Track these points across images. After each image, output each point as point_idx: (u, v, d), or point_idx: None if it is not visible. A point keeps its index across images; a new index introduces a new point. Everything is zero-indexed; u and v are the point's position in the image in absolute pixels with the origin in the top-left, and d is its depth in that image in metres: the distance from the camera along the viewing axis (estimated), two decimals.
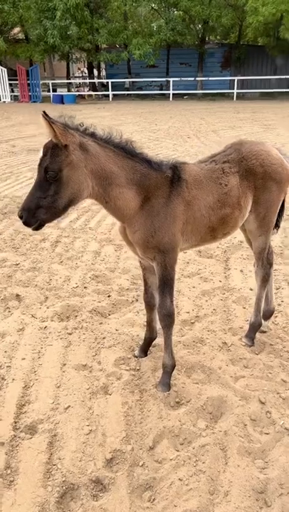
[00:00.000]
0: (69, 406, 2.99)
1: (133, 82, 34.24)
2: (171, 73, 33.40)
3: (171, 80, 30.33)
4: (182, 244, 2.95)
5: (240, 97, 30.92)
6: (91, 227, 6.49)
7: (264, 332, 3.75)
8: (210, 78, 30.79)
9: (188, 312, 4.09)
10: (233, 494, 2.36)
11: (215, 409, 2.95)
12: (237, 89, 29.87)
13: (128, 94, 33.57)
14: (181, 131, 15.75)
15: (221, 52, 34.21)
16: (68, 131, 2.46)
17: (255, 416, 2.87)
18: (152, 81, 33.67)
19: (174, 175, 2.79)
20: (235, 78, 29.89)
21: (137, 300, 4.37)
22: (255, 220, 3.13)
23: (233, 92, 30.01)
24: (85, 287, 4.65)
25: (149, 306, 3.34)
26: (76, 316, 4.11)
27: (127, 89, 34.41)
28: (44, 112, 2.36)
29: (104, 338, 3.75)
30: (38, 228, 2.58)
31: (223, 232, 3.03)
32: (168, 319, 3.02)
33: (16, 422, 2.88)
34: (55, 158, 2.44)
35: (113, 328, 3.89)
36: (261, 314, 3.60)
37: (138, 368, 3.38)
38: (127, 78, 33.57)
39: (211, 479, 2.45)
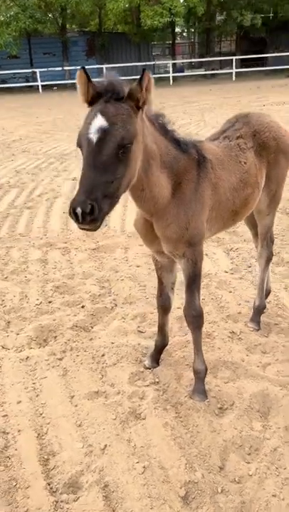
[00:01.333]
0: (106, 445, 2.50)
1: None
2: (35, 64, 31.83)
3: (37, 70, 28.90)
4: (205, 234, 2.62)
5: None
6: (21, 233, 5.74)
7: (263, 312, 3.64)
8: (78, 67, 30.03)
9: (179, 308, 3.78)
10: None
11: (261, 406, 2.74)
12: None
13: None
14: (68, 122, 15.06)
15: (83, 40, 33.62)
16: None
17: None
18: (16, 73, 31.74)
19: (198, 155, 2.43)
20: (104, 66, 29.69)
21: (116, 305, 3.93)
22: (266, 198, 2.94)
23: None
24: (49, 302, 4.04)
25: (164, 309, 2.97)
26: (55, 336, 3.53)
27: None
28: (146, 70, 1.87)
29: (103, 355, 3.27)
30: (98, 227, 1.90)
31: (244, 215, 2.78)
32: (198, 320, 2.70)
33: (49, 484, 2.31)
34: (128, 126, 1.90)
35: (107, 341, 3.41)
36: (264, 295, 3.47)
37: (157, 380, 3.00)
38: None
39: None
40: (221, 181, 2.54)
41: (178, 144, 2.36)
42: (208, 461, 2.38)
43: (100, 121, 1.88)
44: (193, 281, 2.59)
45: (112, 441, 2.53)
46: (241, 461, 2.38)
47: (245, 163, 2.64)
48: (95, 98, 1.98)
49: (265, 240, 3.22)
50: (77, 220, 1.82)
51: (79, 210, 1.79)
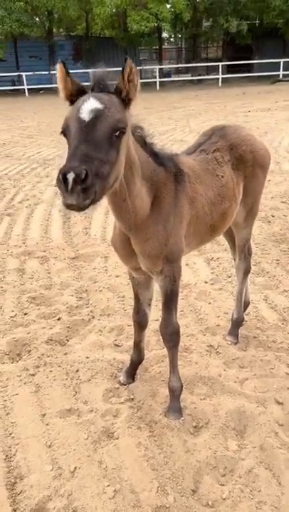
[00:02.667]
0: (76, 468, 2.41)
1: None
2: (21, 67, 31.61)
3: (23, 74, 28.72)
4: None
5: None
6: None
7: (242, 325, 3.59)
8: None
9: (157, 320, 3.71)
10: None
11: (237, 424, 2.67)
12: None
13: None
14: (53, 127, 14.93)
15: (70, 44, 33.53)
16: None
17: (282, 420, 2.67)
18: (2, 76, 31.51)
19: (175, 169, 2.37)
20: (90, 71, 29.60)
21: (93, 317, 3.85)
22: (243, 211, 2.89)
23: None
24: (25, 314, 3.94)
25: (140, 326, 2.89)
26: (29, 351, 3.43)
27: None
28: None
29: (77, 370, 3.17)
30: (87, 206, 1.67)
31: (222, 229, 2.72)
32: (175, 338, 2.63)
33: (15, 510, 2.21)
34: (122, 114, 1.83)
35: (82, 356, 3.32)
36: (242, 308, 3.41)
37: (132, 397, 2.91)
38: None
39: (275, 508, 2.17)
40: (198, 195, 2.48)
41: (156, 156, 2.29)
42: (181, 484, 2.31)
43: (93, 103, 1.77)
44: (171, 299, 2.52)
45: (83, 463, 2.44)
46: (215, 484, 2.31)
47: (222, 176, 2.59)
48: (76, 94, 1.90)
49: (243, 253, 3.17)
50: (66, 188, 1.59)
51: (71, 174, 1.57)
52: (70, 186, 1.58)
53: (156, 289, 2.76)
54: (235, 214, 2.78)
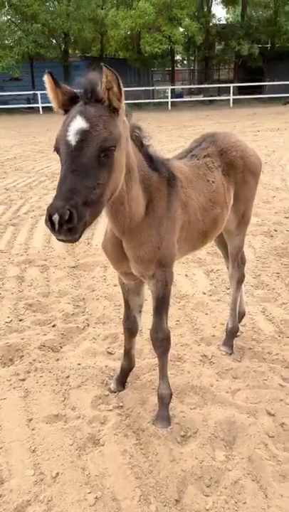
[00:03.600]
0: (58, 473, 2.36)
1: None
2: (37, 86, 32.41)
3: (38, 93, 29.41)
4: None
5: None
6: (1, 249, 5.65)
7: (237, 336, 3.53)
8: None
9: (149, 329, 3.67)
10: None
11: (226, 435, 2.60)
12: None
13: None
14: None
15: (85, 65, 34.25)
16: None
17: (272, 431, 2.59)
18: (18, 94, 32.32)
19: (168, 173, 2.36)
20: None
21: (88, 325, 3.82)
22: (234, 218, 2.87)
23: None
24: (20, 320, 3.93)
25: (130, 332, 2.86)
26: (22, 356, 3.41)
27: None
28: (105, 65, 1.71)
29: (67, 377, 3.14)
30: (77, 239, 1.73)
31: (213, 235, 2.70)
32: (165, 344, 2.59)
33: None
34: (111, 128, 1.76)
35: (74, 363, 3.29)
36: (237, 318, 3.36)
37: (121, 404, 2.86)
38: None
39: None
40: (190, 200, 2.47)
41: (151, 160, 2.28)
42: (164, 493, 2.24)
43: (79, 123, 1.75)
44: (162, 304, 2.50)
45: (66, 468, 2.39)
46: (199, 494, 2.24)
47: (213, 182, 2.58)
48: (69, 103, 1.87)
49: (236, 261, 3.14)
50: (53, 228, 1.63)
51: (56, 217, 1.60)
52: (56, 228, 1.62)
53: (148, 295, 2.74)
54: (226, 220, 2.77)
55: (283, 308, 3.96)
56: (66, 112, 1.90)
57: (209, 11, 33.31)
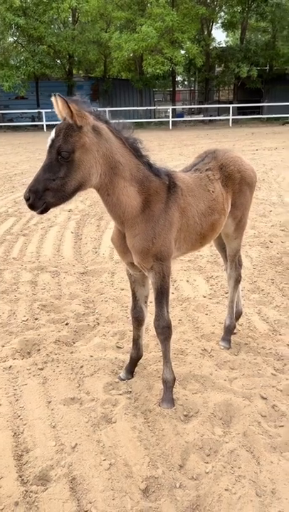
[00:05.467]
0: (76, 444, 2.69)
1: (3, 114, 33.34)
2: (41, 105, 33.34)
3: (43, 111, 30.28)
4: (174, 253, 2.92)
5: None
6: (14, 257, 6.03)
7: (234, 333, 3.88)
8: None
9: None
10: (280, 490, 2.36)
11: (224, 414, 2.94)
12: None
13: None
14: None
15: (88, 84, 35.39)
16: (83, 112, 2.39)
17: (264, 412, 2.93)
18: (23, 112, 33.20)
19: (170, 181, 2.78)
20: (106, 109, 31.11)
21: (98, 324, 4.17)
22: (232, 224, 3.27)
23: None
24: (36, 319, 4.28)
25: (138, 321, 3.22)
26: (39, 349, 3.75)
27: None
28: (58, 94, 2.34)
29: (81, 366, 3.48)
30: (43, 212, 2.47)
31: (211, 238, 3.09)
32: (167, 331, 2.95)
33: (20, 476, 2.49)
34: (68, 139, 2.38)
35: (87, 355, 3.63)
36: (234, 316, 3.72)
37: (130, 390, 3.20)
38: None
39: (253, 482, 2.41)
40: (189, 206, 2.87)
41: (150, 166, 2.74)
42: (169, 460, 2.57)
43: (51, 134, 2.44)
44: (162, 294, 2.87)
45: (83, 441, 2.72)
46: (200, 461, 2.56)
47: (213, 191, 2.99)
48: None
49: (234, 262, 3.52)
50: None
51: (23, 196, 2.46)
52: (26, 204, 2.45)
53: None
54: (223, 225, 3.16)
55: (277, 310, 4.32)
56: None
57: (209, 34, 34.44)
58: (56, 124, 2.51)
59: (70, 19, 32.82)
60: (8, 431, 2.81)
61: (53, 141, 2.40)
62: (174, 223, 2.78)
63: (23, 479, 2.47)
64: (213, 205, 2.98)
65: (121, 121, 2.72)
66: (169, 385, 3.01)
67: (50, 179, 2.39)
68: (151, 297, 3.18)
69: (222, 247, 3.64)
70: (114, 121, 2.70)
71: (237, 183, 3.14)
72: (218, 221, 3.04)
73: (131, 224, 2.71)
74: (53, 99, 2.40)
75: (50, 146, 2.40)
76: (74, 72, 35.31)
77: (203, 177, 3.01)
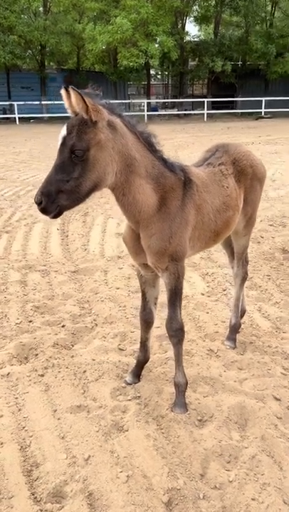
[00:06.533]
0: (89, 456, 2.54)
1: None
2: (13, 97, 32.44)
3: (15, 103, 29.46)
4: (188, 252, 2.79)
5: None
6: (0, 255, 5.77)
7: (238, 332, 3.80)
8: (55, 102, 30.92)
9: (158, 327, 3.89)
10: None
11: (239, 418, 2.85)
12: None
13: None
14: (46, 153, 15.31)
15: (61, 77, 34.58)
16: (98, 106, 2.20)
17: (280, 414, 2.85)
18: None
19: (185, 177, 2.64)
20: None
21: (96, 325, 4.01)
22: (243, 220, 3.17)
23: None
24: (30, 321, 4.08)
25: (147, 323, 3.08)
26: (36, 354, 3.56)
27: None
28: (72, 87, 2.12)
29: (84, 371, 3.32)
30: (56, 216, 2.28)
31: (224, 235, 2.98)
32: (180, 333, 2.83)
33: (33, 494, 2.32)
34: (82, 136, 2.19)
35: (89, 358, 3.47)
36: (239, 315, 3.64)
37: (138, 395, 3.07)
38: None
39: (278, 489, 2.33)
40: (204, 203, 2.74)
41: (165, 162, 2.57)
42: (189, 469, 2.46)
43: (62, 131, 2.24)
44: (176, 295, 2.74)
45: (96, 452, 2.57)
46: (221, 469, 2.46)
47: (227, 187, 2.88)
48: None
49: (241, 260, 3.43)
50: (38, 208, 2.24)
51: (35, 200, 2.23)
52: (38, 208, 2.25)
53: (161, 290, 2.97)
54: (236, 222, 3.06)
55: (277, 307, 4.27)
56: None
57: (183, 28, 34.32)
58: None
59: (41, 9, 32.02)
60: (14, 444, 2.64)
61: (64, 138, 2.20)
62: (189, 221, 2.65)
63: (35, 497, 2.31)
64: (228, 201, 2.86)
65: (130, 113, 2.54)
66: (181, 389, 2.90)
67: (64, 180, 2.20)
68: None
69: (228, 244, 3.54)
70: (126, 114, 2.53)
71: (249, 178, 3.03)
72: (232, 218, 2.93)
73: (147, 223, 2.55)
74: (63, 91, 2.20)
75: (62, 145, 2.21)
76: (46, 63, 34.49)
77: (217, 172, 2.88)
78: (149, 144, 2.51)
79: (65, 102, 2.25)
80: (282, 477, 2.40)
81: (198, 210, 2.71)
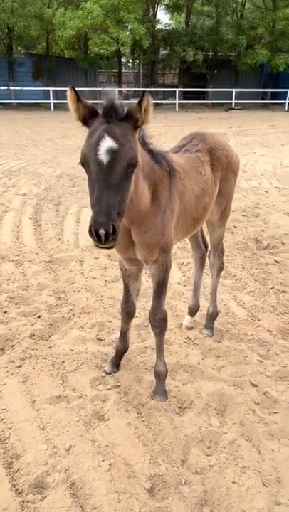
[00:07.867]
0: (70, 446, 2.53)
1: None
2: None
3: None
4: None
5: (58, 107, 31.03)
6: None
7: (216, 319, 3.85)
8: (24, 88, 30.07)
9: (136, 316, 3.89)
10: (285, 478, 2.36)
11: (218, 404, 2.90)
12: (53, 99, 29.90)
13: None
14: (15, 141, 14.93)
15: (30, 62, 33.63)
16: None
17: (257, 399, 2.92)
18: None
19: (168, 166, 2.60)
20: (50, 89, 29.92)
21: (73, 315, 3.97)
22: (217, 212, 3.19)
23: (50, 103, 29.94)
24: (5, 312, 3.99)
25: (128, 315, 3.07)
26: (13, 345, 3.50)
27: None
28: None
29: (63, 362, 3.29)
30: (114, 246, 2.00)
31: (202, 222, 2.99)
32: (163, 324, 2.84)
33: (14, 486, 2.30)
34: (133, 145, 1.98)
35: (67, 349, 3.44)
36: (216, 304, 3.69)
37: (118, 384, 3.07)
38: None
39: (257, 472, 2.40)
40: (186, 190, 2.73)
41: (152, 155, 2.49)
42: (171, 456, 2.49)
43: (109, 143, 1.93)
44: (162, 286, 2.74)
45: (77, 441, 2.56)
46: (202, 454, 2.51)
47: (204, 174, 2.88)
48: (89, 116, 2.05)
49: (217, 251, 3.46)
50: (99, 240, 1.90)
51: (102, 231, 1.87)
52: (102, 239, 1.89)
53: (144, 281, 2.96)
54: (211, 209, 3.07)
55: (252, 296, 4.36)
56: (84, 123, 2.08)
57: (155, 15, 33.97)
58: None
59: None
60: None
61: (116, 152, 1.91)
62: (175, 210, 2.63)
63: (17, 489, 2.28)
64: (205, 187, 2.87)
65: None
66: (162, 377, 2.92)
67: (122, 201, 1.96)
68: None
69: (193, 237, 3.53)
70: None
71: (224, 168, 3.05)
72: (208, 204, 2.95)
73: (141, 220, 2.48)
74: (144, 101, 1.98)
75: (114, 160, 1.91)
76: (14, 47, 33.43)
77: (195, 158, 2.88)
78: (140, 139, 2.36)
79: (137, 115, 2.02)
80: (261, 460, 2.47)
81: (182, 198, 2.69)
